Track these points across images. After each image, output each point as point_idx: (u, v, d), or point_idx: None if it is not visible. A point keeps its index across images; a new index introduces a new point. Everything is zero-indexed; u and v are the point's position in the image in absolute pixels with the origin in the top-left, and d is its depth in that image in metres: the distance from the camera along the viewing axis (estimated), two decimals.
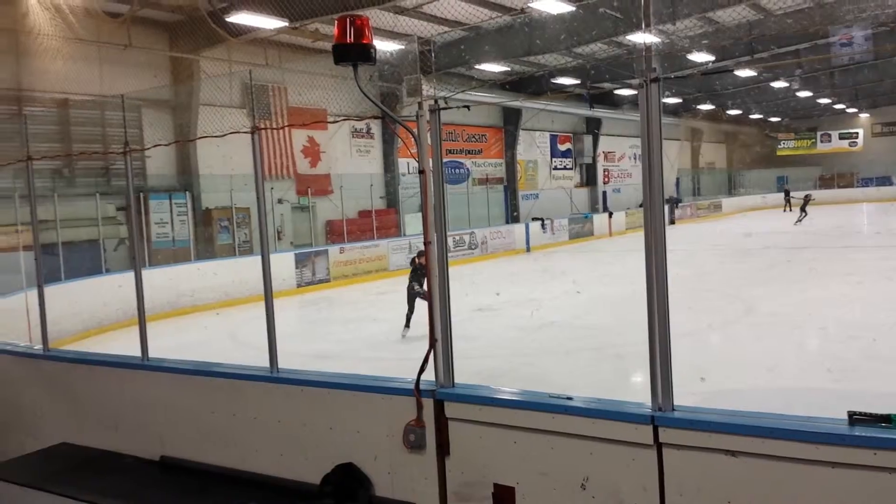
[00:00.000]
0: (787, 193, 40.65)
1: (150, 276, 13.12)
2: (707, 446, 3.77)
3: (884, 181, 46.89)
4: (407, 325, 11.75)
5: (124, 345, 7.65)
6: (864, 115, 49.04)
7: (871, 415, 3.54)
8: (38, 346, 7.26)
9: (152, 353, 6.35)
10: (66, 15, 15.37)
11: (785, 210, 38.85)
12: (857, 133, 47.81)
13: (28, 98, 16.05)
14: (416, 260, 11.59)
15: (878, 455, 3.40)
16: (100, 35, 16.63)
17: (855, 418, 3.56)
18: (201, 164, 19.01)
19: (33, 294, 7.50)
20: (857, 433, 3.48)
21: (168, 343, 9.11)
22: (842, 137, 47.66)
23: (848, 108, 46.89)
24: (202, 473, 5.60)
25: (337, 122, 9.68)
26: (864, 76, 36.28)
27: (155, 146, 14.80)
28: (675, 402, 3.97)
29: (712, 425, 3.78)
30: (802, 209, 34.10)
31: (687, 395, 4.32)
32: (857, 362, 8.78)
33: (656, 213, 4.00)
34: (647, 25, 4.56)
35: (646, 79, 3.93)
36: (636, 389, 6.91)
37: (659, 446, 3.90)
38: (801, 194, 36.73)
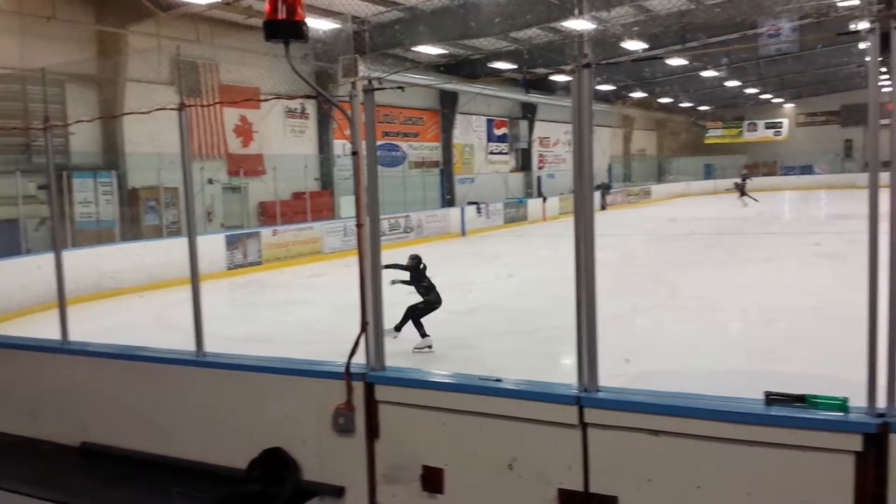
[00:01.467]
0: (743, 179, 37.66)
1: (73, 257, 12.64)
2: (631, 426, 3.86)
3: (806, 170, 48.67)
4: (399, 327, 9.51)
5: (44, 328, 7.38)
6: (788, 106, 50.86)
7: (786, 395, 3.67)
8: None
9: (74, 337, 6.16)
10: None
11: (741, 196, 35.75)
12: (782, 122, 49.37)
13: None
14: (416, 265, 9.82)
15: (793, 434, 3.54)
16: (22, 6, 15.94)
17: (771, 398, 3.70)
18: (128, 142, 18.42)
19: None
20: (773, 413, 3.61)
21: (90, 326, 8.83)
22: (767, 127, 49.15)
23: (773, 98, 48.58)
24: (125, 460, 5.47)
25: (269, 100, 9.48)
26: (789, 67, 37.50)
27: (77, 122, 14.28)
28: (601, 384, 4.05)
29: (636, 405, 3.87)
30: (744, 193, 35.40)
31: (613, 376, 4.41)
32: (774, 344, 9.12)
33: (586, 197, 4.06)
34: (581, 12, 4.60)
35: (578, 64, 3.98)
36: (565, 371, 7.02)
37: (584, 426, 3.97)
38: (733, 181, 37.86)
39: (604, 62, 4.39)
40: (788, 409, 3.64)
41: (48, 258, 7.27)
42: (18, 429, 6.10)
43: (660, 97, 42.46)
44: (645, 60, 30.79)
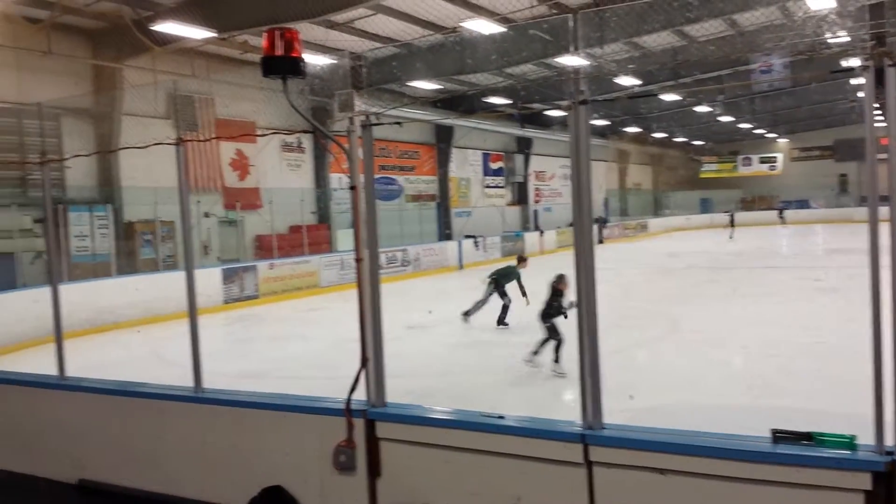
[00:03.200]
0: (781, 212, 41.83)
1: (69, 291, 12.50)
2: (636, 464, 3.80)
3: (802, 204, 48.87)
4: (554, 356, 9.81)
5: (40, 363, 7.31)
6: (782, 141, 51.29)
7: (793, 433, 3.63)
8: None
9: (70, 372, 6.10)
10: None
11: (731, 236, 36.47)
12: (776, 157, 49.86)
13: None
14: (556, 286, 9.98)
15: (801, 472, 3.49)
16: (18, 40, 16.05)
17: (778, 436, 3.65)
18: (124, 175, 18.46)
19: None
20: (780, 451, 3.57)
21: (87, 361, 8.75)
22: (762, 161, 49.59)
23: (767, 133, 48.98)
24: (123, 497, 5.39)
25: (265, 135, 9.52)
26: (783, 103, 37.87)
27: (74, 156, 14.27)
28: (605, 420, 4.00)
29: (641, 443, 3.82)
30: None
31: (616, 412, 4.36)
32: (776, 380, 9.04)
33: (585, 231, 4.05)
34: (576, 48, 4.63)
35: (575, 100, 4.00)
36: (568, 407, 6.95)
37: (589, 465, 3.91)
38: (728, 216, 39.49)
39: (600, 98, 4.42)
40: (796, 447, 3.59)
41: (43, 292, 7.23)
42: (15, 465, 6.01)
43: (655, 132, 42.83)
44: (640, 97, 31.08)
